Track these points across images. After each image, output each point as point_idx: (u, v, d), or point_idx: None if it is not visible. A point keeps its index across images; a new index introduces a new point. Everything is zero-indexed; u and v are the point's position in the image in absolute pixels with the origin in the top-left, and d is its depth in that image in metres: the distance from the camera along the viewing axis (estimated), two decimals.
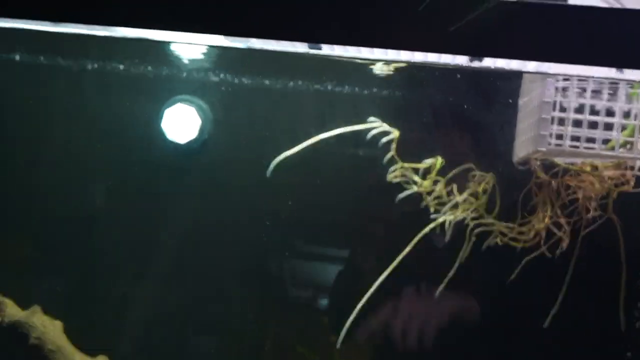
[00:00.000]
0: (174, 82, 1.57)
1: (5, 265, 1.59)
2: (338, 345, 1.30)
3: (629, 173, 1.09)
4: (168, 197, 1.60)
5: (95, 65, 1.59)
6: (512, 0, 1.15)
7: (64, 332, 1.45)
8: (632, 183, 1.10)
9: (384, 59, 1.24)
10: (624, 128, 1.08)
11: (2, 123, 1.59)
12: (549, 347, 1.28)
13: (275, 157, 1.38)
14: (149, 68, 1.57)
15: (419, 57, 1.09)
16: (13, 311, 1.44)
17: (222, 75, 1.56)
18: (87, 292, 1.60)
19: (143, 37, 1.04)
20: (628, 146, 1.01)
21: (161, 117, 1.57)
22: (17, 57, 1.60)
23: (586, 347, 1.33)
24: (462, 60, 1.08)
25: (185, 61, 1.58)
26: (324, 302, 1.61)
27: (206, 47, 1.50)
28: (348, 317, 1.31)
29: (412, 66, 1.31)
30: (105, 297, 1.59)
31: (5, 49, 1.59)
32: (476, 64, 1.06)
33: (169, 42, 1.48)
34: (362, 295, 1.30)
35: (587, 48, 0.93)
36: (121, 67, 1.58)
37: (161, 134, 1.56)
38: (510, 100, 1.25)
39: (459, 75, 1.31)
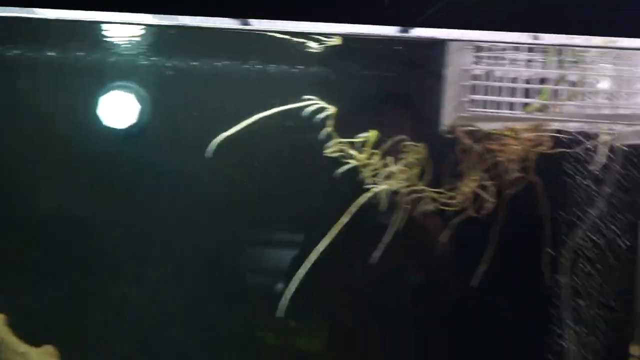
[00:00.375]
0: (110, 67, 1.57)
1: None
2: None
3: (544, 134, 1.17)
4: (109, 184, 1.59)
5: (28, 53, 1.56)
6: None
7: (6, 325, 1.45)
8: (548, 144, 1.19)
9: (315, 32, 1.28)
10: (540, 93, 1.16)
11: None
12: (480, 304, 1.37)
13: (213, 138, 1.40)
14: (83, 53, 1.56)
15: (348, 29, 1.13)
16: None
17: (156, 59, 1.56)
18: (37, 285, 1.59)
19: (74, 19, 1.04)
20: (544, 110, 1.09)
21: (97, 105, 1.57)
22: None
23: (513, 300, 1.41)
24: (390, 31, 1.14)
25: (119, 45, 1.57)
26: (279, 286, 1.64)
27: (140, 29, 1.50)
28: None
29: (343, 42, 1.35)
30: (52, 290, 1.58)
31: None
32: (404, 34, 1.12)
33: (101, 24, 1.46)
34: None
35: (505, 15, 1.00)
36: (54, 53, 1.56)
37: (99, 121, 1.57)
38: (437, 70, 1.31)
39: (387, 49, 1.36)
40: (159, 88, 1.57)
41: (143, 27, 1.47)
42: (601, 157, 1.20)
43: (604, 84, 1.20)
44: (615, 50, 1.11)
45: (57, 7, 0.96)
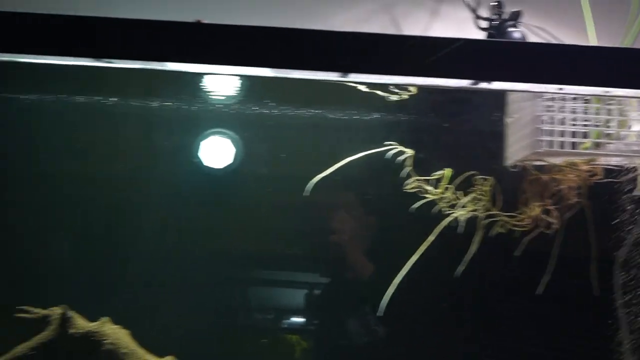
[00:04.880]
0: (208, 115, 1.80)
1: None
2: None
3: (598, 167, 1.44)
4: (208, 219, 1.79)
5: (135, 102, 1.79)
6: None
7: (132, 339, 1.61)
8: (601, 174, 1.46)
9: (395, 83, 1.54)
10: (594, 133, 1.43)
11: (56, 158, 1.76)
12: (543, 309, 1.60)
13: (303, 179, 1.62)
14: (185, 103, 1.79)
15: (427, 82, 1.39)
16: (82, 324, 1.58)
17: (251, 108, 1.80)
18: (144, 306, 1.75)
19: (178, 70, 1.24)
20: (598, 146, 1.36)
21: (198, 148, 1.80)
22: (57, 96, 1.77)
23: (570, 306, 1.64)
24: (464, 84, 1.39)
25: (217, 95, 1.81)
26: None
27: (236, 80, 1.74)
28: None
29: (419, 94, 1.61)
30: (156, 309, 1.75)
31: (43, 88, 1.74)
32: (478, 86, 1.37)
33: (202, 75, 1.70)
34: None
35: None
36: (159, 103, 1.79)
37: (200, 162, 1.79)
38: (500, 119, 1.59)
39: (454, 99, 1.63)
40: (253, 134, 1.81)
41: (239, 77, 1.73)
42: None
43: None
44: None
45: (164, 60, 1.16)
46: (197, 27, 1.11)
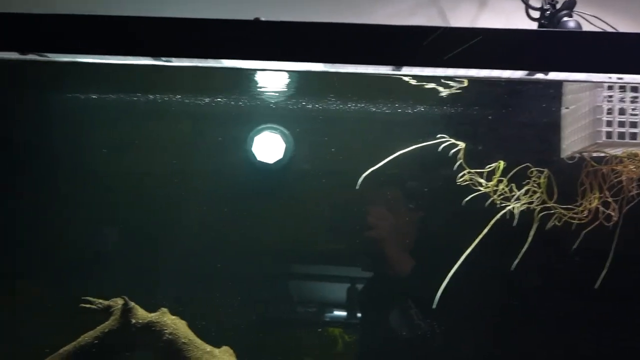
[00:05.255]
0: (261, 111, 1.84)
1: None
2: None
3: None
4: (261, 210, 1.83)
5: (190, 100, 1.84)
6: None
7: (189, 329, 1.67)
8: None
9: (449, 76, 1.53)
10: None
11: (116, 155, 1.83)
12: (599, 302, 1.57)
13: (352, 173, 1.63)
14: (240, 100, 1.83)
15: (482, 74, 1.37)
16: (142, 314, 1.64)
17: (301, 103, 1.82)
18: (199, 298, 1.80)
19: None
20: None
21: (251, 143, 1.83)
22: (122, 94, 1.84)
23: (628, 302, 1.61)
24: (520, 74, 1.37)
25: (270, 92, 1.84)
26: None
27: (288, 74, 1.76)
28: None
29: (471, 86, 1.60)
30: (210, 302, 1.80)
31: (104, 88, 1.81)
32: (529, 77, 1.36)
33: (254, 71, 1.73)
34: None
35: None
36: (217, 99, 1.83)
37: (253, 156, 1.83)
38: (554, 110, 1.56)
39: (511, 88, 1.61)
40: (304, 128, 1.84)
41: (288, 73, 1.75)
42: None
43: None
44: None
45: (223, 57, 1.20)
46: (256, 25, 1.13)
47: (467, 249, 1.48)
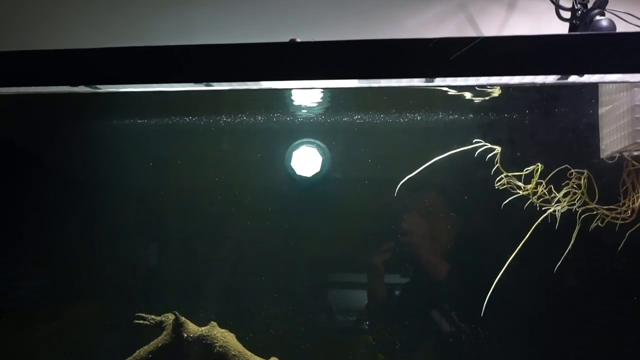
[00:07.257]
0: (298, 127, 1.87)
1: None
2: None
3: None
4: (302, 222, 1.86)
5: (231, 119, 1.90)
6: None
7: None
8: None
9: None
10: None
11: (162, 173, 1.89)
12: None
13: (390, 182, 1.65)
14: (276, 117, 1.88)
15: (513, 81, 1.38)
16: (193, 328, 1.69)
17: (336, 117, 1.85)
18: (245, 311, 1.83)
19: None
20: None
21: (290, 157, 1.87)
22: (172, 117, 1.89)
23: None
24: (551, 79, 1.37)
25: (305, 107, 1.88)
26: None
27: (322, 91, 1.79)
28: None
29: (505, 91, 1.60)
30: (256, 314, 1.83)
31: (150, 113, 1.89)
32: (563, 81, 1.35)
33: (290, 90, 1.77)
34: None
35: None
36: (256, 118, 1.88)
37: (291, 170, 1.86)
38: (591, 111, 1.55)
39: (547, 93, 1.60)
40: (342, 142, 1.84)
41: (322, 90, 1.78)
42: None
43: None
44: None
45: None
46: (292, 46, 1.16)
47: (505, 252, 1.48)
